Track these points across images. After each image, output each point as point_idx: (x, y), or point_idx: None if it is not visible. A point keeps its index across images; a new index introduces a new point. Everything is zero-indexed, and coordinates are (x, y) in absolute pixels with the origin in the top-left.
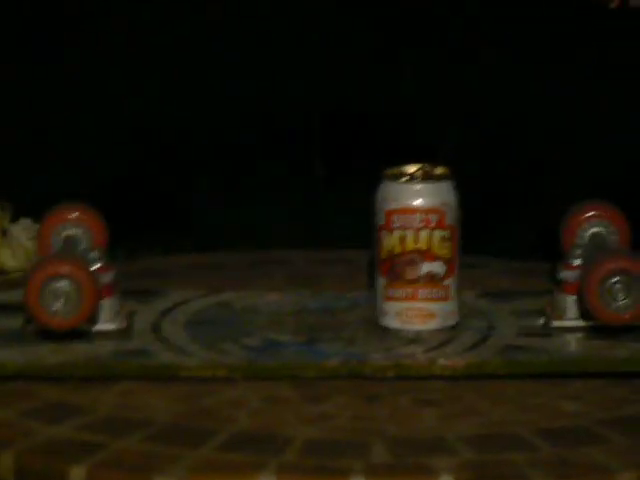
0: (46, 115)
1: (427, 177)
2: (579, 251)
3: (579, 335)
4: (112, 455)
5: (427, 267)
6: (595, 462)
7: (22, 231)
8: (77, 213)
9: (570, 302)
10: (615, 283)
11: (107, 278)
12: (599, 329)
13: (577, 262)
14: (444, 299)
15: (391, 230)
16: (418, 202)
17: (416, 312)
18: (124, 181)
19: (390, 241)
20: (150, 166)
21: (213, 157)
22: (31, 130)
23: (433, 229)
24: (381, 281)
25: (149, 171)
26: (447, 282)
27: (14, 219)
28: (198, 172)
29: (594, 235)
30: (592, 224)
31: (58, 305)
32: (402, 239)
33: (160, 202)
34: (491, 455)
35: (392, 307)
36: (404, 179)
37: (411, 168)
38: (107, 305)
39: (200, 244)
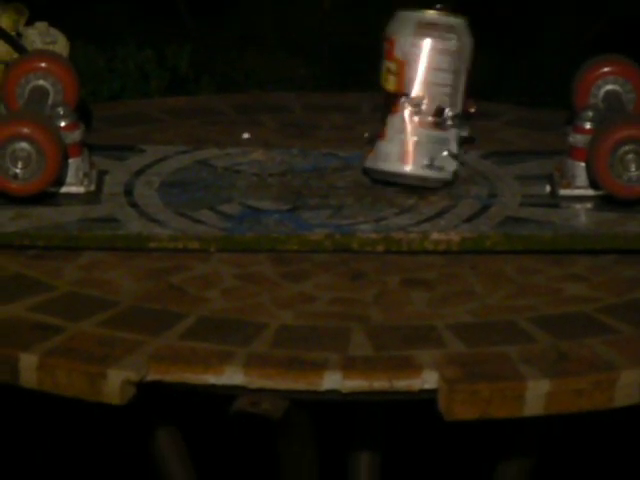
0: None
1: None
2: (591, 113)
3: (588, 206)
4: (67, 341)
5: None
6: (597, 357)
7: (37, 35)
8: (46, 62)
9: (579, 169)
10: (627, 152)
11: (74, 136)
12: (610, 199)
13: (588, 125)
14: None
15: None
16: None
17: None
18: None
19: None
20: None
21: None
22: None
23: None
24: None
25: None
26: None
27: (29, 22)
28: None
29: (608, 94)
30: (607, 81)
31: (17, 168)
32: None
33: None
34: (482, 347)
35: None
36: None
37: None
38: (74, 166)
39: None
